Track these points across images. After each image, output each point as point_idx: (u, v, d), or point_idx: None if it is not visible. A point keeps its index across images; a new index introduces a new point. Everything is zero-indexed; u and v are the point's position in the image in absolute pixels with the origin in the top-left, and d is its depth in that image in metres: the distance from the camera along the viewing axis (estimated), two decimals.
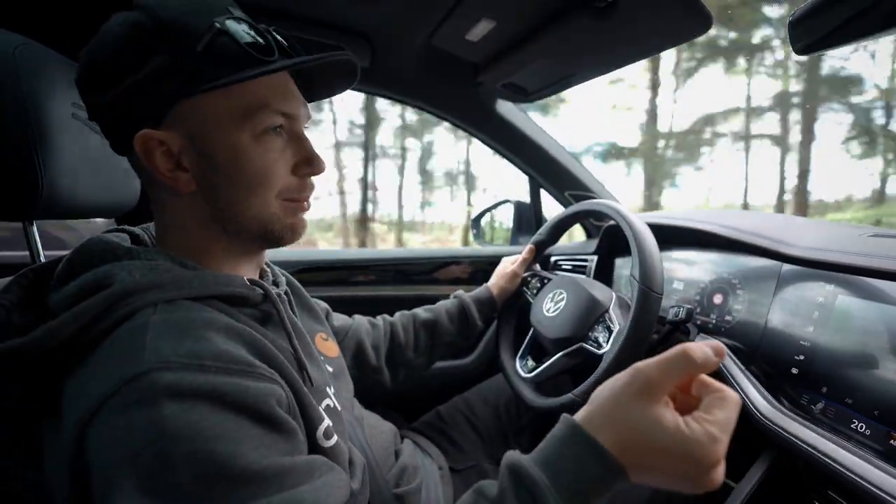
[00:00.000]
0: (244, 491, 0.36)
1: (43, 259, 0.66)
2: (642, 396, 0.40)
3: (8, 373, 0.41)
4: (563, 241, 1.21)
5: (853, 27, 0.52)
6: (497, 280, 1.06)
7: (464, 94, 1.27)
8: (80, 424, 0.37)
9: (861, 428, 0.60)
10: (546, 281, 1.04)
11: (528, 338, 1.04)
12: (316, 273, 1.36)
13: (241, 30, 0.47)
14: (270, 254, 0.67)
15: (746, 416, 0.72)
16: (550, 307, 0.94)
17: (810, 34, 0.56)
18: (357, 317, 0.95)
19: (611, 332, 0.82)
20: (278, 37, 0.50)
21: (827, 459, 0.59)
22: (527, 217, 1.60)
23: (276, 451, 0.39)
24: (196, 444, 0.35)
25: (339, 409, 0.59)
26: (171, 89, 0.45)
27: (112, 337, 0.41)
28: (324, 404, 0.55)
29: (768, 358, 0.75)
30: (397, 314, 1.00)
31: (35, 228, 0.66)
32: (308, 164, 0.54)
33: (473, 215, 1.81)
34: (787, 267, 0.77)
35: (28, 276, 0.50)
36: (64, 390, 0.41)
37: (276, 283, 0.64)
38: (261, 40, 0.48)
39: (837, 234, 0.78)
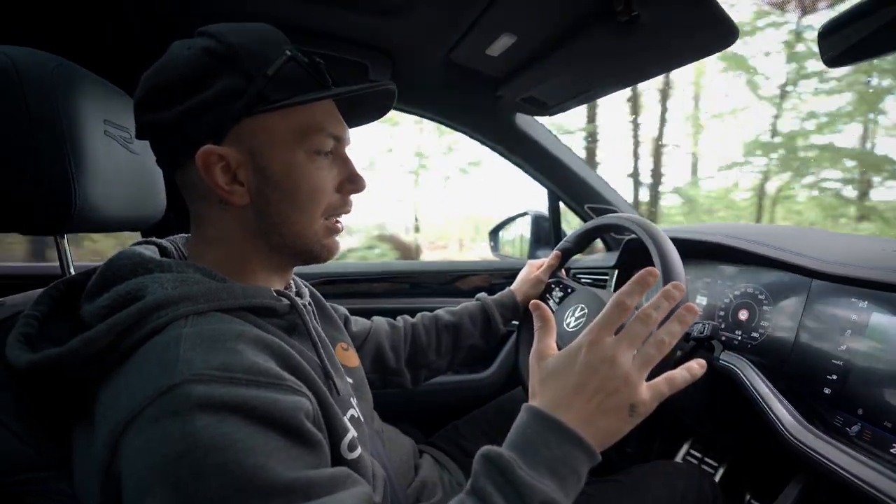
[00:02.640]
0: (272, 502, 0.36)
1: (73, 271, 0.68)
2: (537, 362, 0.51)
3: (44, 382, 0.42)
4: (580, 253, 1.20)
5: (883, 38, 0.52)
6: (521, 285, 1.05)
7: (484, 107, 1.27)
8: (114, 434, 0.37)
9: None
10: (570, 290, 1.03)
11: None
12: (335, 286, 1.37)
13: (304, 59, 0.52)
14: None
15: (775, 435, 0.69)
16: (571, 322, 0.93)
17: (839, 45, 0.56)
18: (376, 318, 0.96)
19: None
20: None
21: (865, 486, 0.57)
22: (545, 230, 1.59)
23: (302, 463, 0.40)
24: (227, 455, 0.35)
25: (362, 420, 0.59)
26: (238, 108, 0.49)
27: (145, 348, 0.42)
28: (349, 414, 0.55)
29: (798, 377, 0.73)
30: (419, 315, 1.00)
31: (66, 241, 0.68)
32: (352, 182, 0.59)
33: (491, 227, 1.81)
34: (817, 282, 0.75)
35: (60, 287, 0.52)
36: (97, 401, 0.42)
37: (299, 295, 0.65)
38: (317, 69, 0.53)
39: (869, 248, 0.76)
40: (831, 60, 0.57)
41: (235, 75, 0.49)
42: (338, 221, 0.59)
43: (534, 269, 1.07)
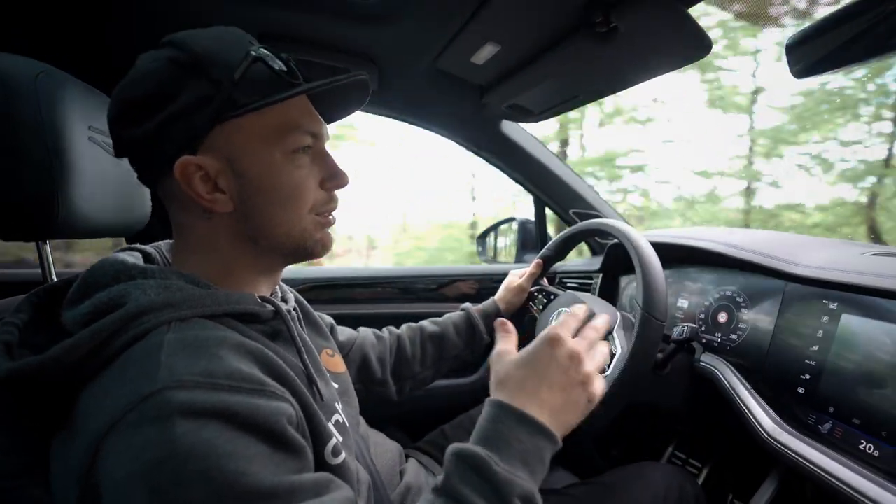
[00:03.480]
0: None
1: (55, 278, 0.67)
2: (499, 358, 0.55)
3: (23, 390, 0.42)
4: (568, 257, 1.21)
5: (850, 50, 0.53)
6: (504, 294, 1.06)
7: (469, 115, 1.29)
8: (94, 440, 0.37)
9: (869, 449, 0.59)
10: (552, 297, 1.04)
11: None
12: (321, 291, 1.37)
13: (271, 57, 0.51)
14: None
15: (752, 435, 0.71)
16: (556, 324, 0.94)
17: (808, 57, 0.58)
18: (362, 329, 0.96)
19: (613, 355, 0.82)
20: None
21: (835, 481, 0.59)
22: (531, 235, 1.61)
23: (285, 469, 0.40)
24: (208, 461, 0.35)
25: (347, 425, 0.59)
26: (208, 116, 0.48)
27: (127, 354, 0.41)
28: (333, 420, 0.55)
29: (773, 377, 0.75)
30: (404, 326, 1.00)
31: (48, 248, 0.68)
32: (334, 178, 0.58)
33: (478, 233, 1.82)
34: (791, 286, 0.77)
35: (40, 295, 0.51)
36: (77, 407, 0.42)
37: (284, 300, 0.65)
38: (287, 66, 0.52)
39: (840, 252, 0.78)
40: (799, 72, 0.59)
41: (202, 82, 0.48)
42: (331, 212, 0.59)
43: (516, 278, 1.08)
